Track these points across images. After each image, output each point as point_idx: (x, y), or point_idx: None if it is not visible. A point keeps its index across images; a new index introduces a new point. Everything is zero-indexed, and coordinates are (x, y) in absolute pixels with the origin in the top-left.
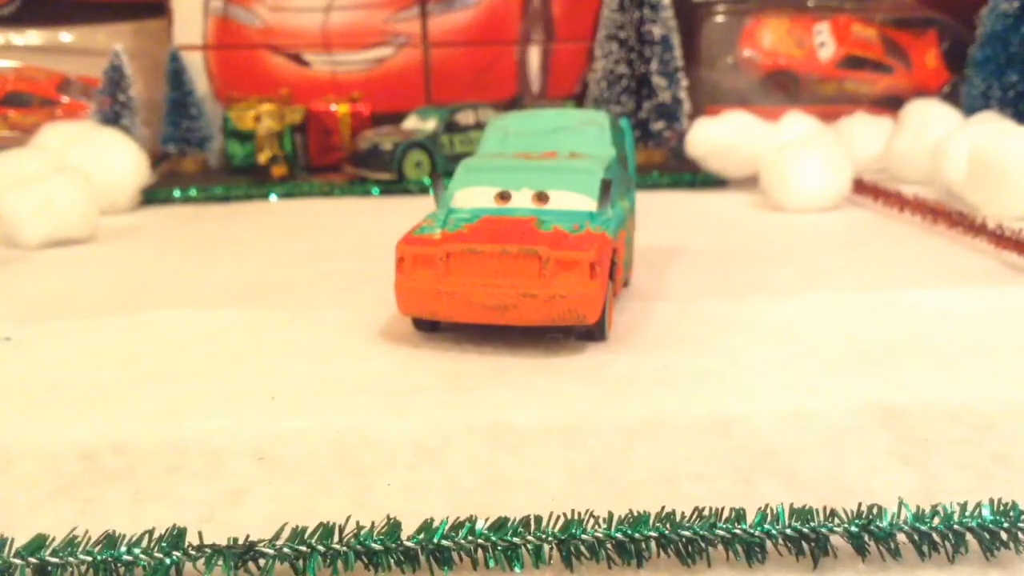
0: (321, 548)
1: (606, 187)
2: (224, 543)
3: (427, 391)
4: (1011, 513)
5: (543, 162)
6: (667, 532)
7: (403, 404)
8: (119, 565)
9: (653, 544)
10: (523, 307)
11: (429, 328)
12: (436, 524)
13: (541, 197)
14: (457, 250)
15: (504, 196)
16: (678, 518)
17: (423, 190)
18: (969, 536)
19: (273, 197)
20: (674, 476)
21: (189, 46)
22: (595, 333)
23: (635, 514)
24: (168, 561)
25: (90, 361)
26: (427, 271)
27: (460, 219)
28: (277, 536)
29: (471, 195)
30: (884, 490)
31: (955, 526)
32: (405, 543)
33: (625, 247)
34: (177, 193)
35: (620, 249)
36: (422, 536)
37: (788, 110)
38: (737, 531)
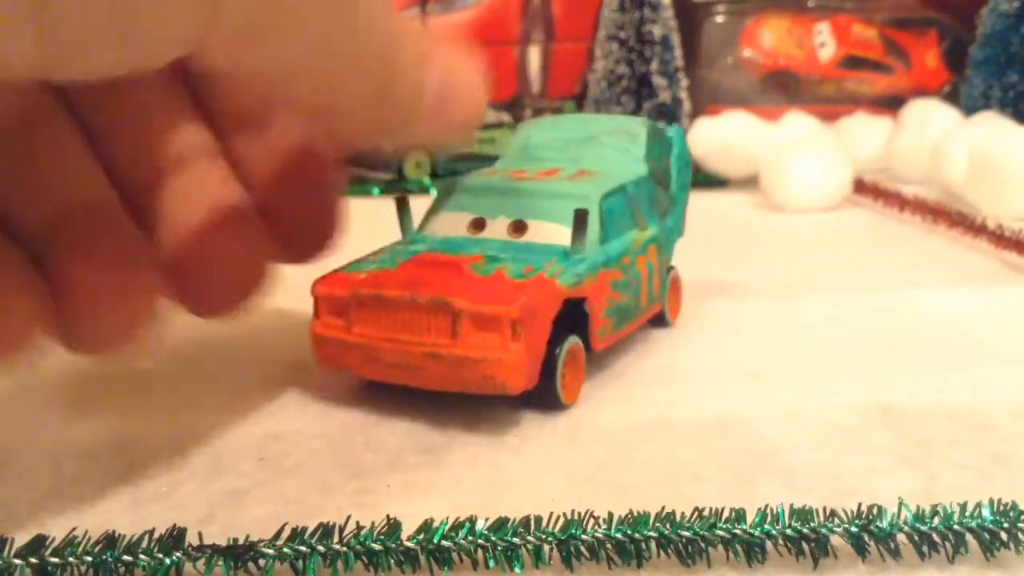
0: (321, 548)
1: (580, 219)
2: (224, 543)
3: (427, 392)
4: (1011, 513)
5: (533, 184)
6: (667, 532)
7: (403, 404)
8: (119, 565)
9: (653, 544)
10: (429, 369)
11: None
12: (436, 524)
13: (518, 227)
14: (364, 296)
15: (478, 224)
16: (678, 518)
17: (423, 190)
18: (969, 536)
19: None
20: (674, 477)
21: None
22: (543, 401)
23: (635, 514)
24: (168, 561)
25: (90, 361)
26: (338, 319)
27: (404, 253)
28: (277, 536)
29: (444, 222)
30: (884, 490)
31: (955, 526)
32: (405, 543)
33: (623, 287)
34: None
35: (597, 295)
36: (422, 536)
37: (788, 110)
38: (737, 531)
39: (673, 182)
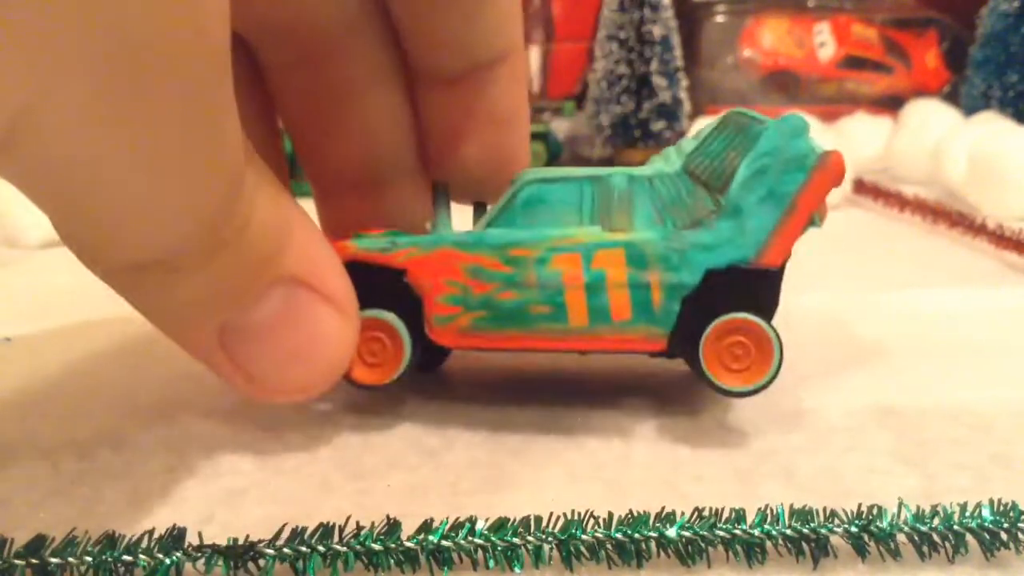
0: (321, 548)
1: (437, 194)
2: (224, 543)
3: (428, 392)
4: (1011, 513)
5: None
6: (667, 532)
7: (402, 405)
8: (119, 565)
9: (653, 544)
10: None
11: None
12: (436, 524)
13: (477, 207)
14: None
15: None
16: (678, 518)
17: None
18: (969, 536)
19: None
20: (674, 477)
21: None
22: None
23: (635, 514)
24: (168, 561)
25: (90, 361)
26: None
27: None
28: (277, 536)
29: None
30: (884, 491)
31: (955, 526)
32: (405, 543)
33: (503, 280)
34: None
35: (427, 274)
36: (422, 536)
37: (788, 110)
38: (737, 531)
39: (737, 186)
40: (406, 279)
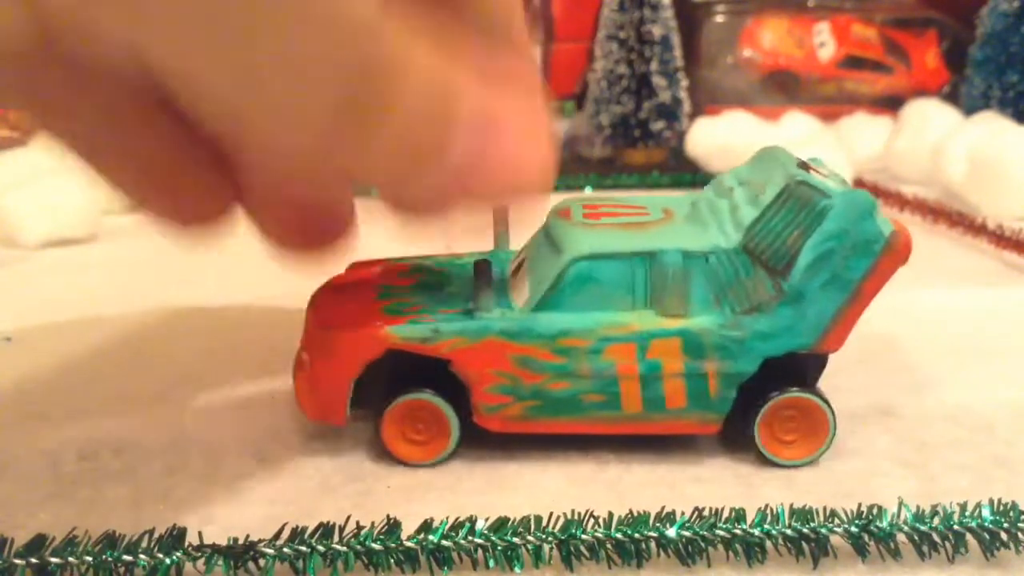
0: (321, 548)
1: (480, 272)
2: (224, 543)
3: None
4: (1011, 513)
5: (573, 227)
6: (667, 532)
7: None
8: (119, 565)
9: (653, 544)
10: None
11: None
12: (436, 524)
13: (516, 271)
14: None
15: (519, 263)
16: (678, 518)
17: None
18: (969, 536)
19: None
20: (674, 478)
21: None
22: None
23: (635, 514)
24: (168, 561)
25: (90, 361)
26: None
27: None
28: (277, 536)
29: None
30: (884, 492)
31: (955, 526)
32: (405, 543)
33: (555, 371)
34: None
35: (474, 363)
36: (422, 536)
37: (788, 110)
38: (737, 531)
39: (800, 270)
40: (452, 368)
